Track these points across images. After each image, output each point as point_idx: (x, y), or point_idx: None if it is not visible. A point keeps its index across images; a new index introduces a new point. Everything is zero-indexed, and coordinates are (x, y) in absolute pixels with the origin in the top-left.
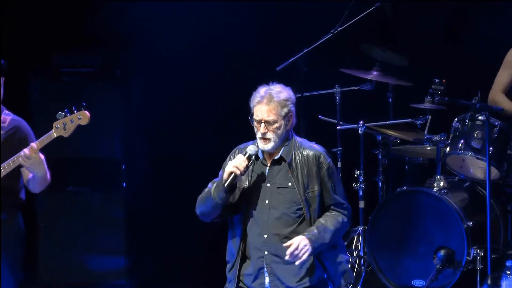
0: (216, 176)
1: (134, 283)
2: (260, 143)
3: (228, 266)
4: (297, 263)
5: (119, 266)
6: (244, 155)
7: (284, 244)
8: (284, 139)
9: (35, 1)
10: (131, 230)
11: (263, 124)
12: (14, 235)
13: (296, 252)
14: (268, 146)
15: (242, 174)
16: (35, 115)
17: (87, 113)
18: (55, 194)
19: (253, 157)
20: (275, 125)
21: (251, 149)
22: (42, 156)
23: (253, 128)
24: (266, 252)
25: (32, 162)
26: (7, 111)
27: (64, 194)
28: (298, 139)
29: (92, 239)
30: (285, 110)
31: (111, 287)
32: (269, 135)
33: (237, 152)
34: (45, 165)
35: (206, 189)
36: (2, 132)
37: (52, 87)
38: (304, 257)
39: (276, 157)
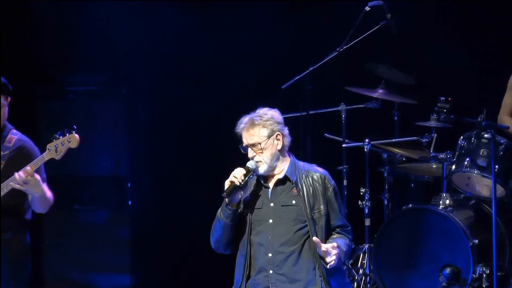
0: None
1: None
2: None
3: (237, 284)
4: (329, 265)
5: (124, 284)
6: (245, 168)
7: (315, 239)
8: (279, 159)
9: (39, 23)
10: (137, 248)
11: (249, 149)
12: (21, 254)
13: (331, 256)
14: (262, 168)
15: (241, 185)
16: (42, 134)
17: (77, 136)
18: (61, 212)
19: (252, 172)
20: (259, 147)
21: (251, 163)
22: (38, 177)
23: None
24: (271, 271)
25: (28, 185)
26: (14, 131)
27: (70, 212)
28: (299, 161)
29: (97, 257)
30: (268, 130)
31: None
32: (258, 157)
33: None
34: (42, 186)
35: (216, 216)
36: (6, 152)
37: (58, 106)
38: (334, 262)
39: (281, 177)
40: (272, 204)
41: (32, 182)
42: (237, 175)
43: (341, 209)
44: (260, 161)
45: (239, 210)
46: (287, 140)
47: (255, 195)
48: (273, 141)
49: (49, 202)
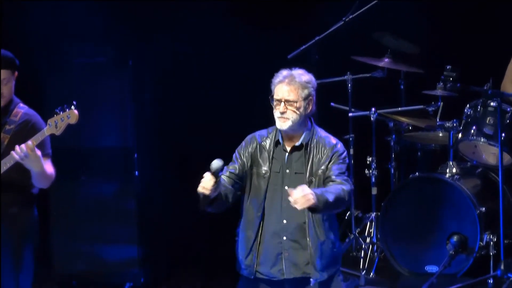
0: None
1: (147, 272)
2: (278, 122)
3: (242, 251)
4: (298, 206)
5: (132, 255)
6: (211, 172)
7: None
8: (303, 124)
9: None
10: (144, 219)
11: (282, 103)
12: (28, 228)
13: (300, 194)
14: (286, 124)
15: (212, 191)
16: (48, 107)
17: (76, 112)
18: (68, 183)
19: (219, 170)
20: (295, 105)
21: (215, 164)
22: (38, 153)
23: (272, 109)
24: (284, 238)
25: (27, 159)
26: (21, 104)
27: (77, 184)
28: (317, 127)
29: (105, 228)
30: (306, 92)
31: (124, 277)
32: (288, 114)
33: (252, 138)
34: (42, 162)
35: None
36: (12, 126)
37: (64, 77)
38: (305, 204)
39: (297, 144)
40: (287, 171)
41: (31, 157)
42: (206, 185)
43: (344, 170)
44: (288, 118)
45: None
46: (314, 108)
47: (276, 157)
48: (307, 104)
49: (49, 178)
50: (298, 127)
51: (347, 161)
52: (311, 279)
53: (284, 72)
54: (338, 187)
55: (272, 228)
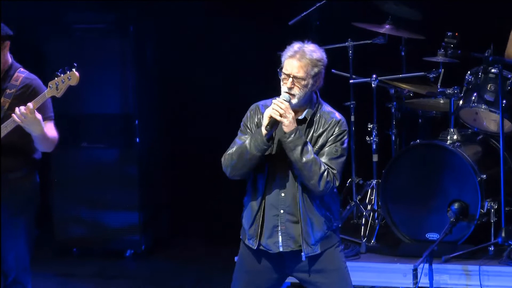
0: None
1: (148, 238)
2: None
3: (247, 221)
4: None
5: (133, 221)
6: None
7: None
8: (308, 100)
9: None
10: (145, 185)
11: (290, 79)
12: (29, 193)
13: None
14: (292, 101)
15: (281, 116)
16: (48, 72)
17: (77, 73)
18: (69, 150)
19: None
20: (302, 82)
21: (286, 96)
22: (39, 116)
23: (279, 81)
24: (281, 211)
25: (27, 122)
26: (22, 69)
27: (78, 150)
28: (322, 102)
29: (106, 195)
30: (315, 70)
31: (125, 243)
32: (295, 90)
33: (256, 108)
34: (42, 125)
35: (236, 146)
36: (13, 90)
37: (64, 44)
38: (277, 110)
39: (300, 117)
40: None
41: (30, 119)
42: (280, 108)
43: (337, 153)
44: (294, 95)
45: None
46: (321, 83)
47: (278, 129)
48: (315, 81)
49: (52, 141)
50: (303, 102)
51: (345, 143)
52: (303, 253)
53: (296, 47)
54: (323, 165)
55: (271, 200)
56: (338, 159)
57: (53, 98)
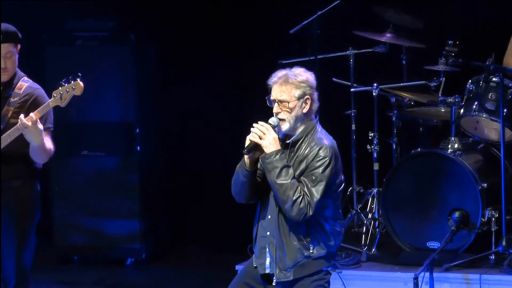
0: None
1: (148, 246)
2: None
3: (253, 240)
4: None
5: (134, 229)
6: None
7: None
8: (302, 123)
9: None
10: (146, 193)
11: (276, 104)
12: (30, 202)
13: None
14: (284, 127)
15: (261, 139)
16: (49, 80)
17: (81, 83)
18: (70, 158)
19: (275, 128)
20: (287, 105)
21: (273, 120)
22: (40, 126)
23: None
24: (267, 233)
25: (28, 131)
26: (26, 78)
27: (79, 158)
28: (318, 128)
29: (106, 203)
30: (299, 91)
31: (125, 251)
32: (283, 115)
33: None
34: (43, 136)
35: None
36: (16, 99)
37: (65, 51)
38: (254, 133)
39: (288, 141)
40: None
41: (32, 129)
42: (259, 131)
43: (315, 180)
44: (284, 119)
45: (258, 172)
46: (315, 105)
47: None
48: (302, 103)
49: (47, 153)
50: (296, 126)
51: (325, 170)
52: (274, 278)
53: (280, 73)
54: (299, 192)
55: (262, 222)
56: (316, 187)
57: (56, 107)
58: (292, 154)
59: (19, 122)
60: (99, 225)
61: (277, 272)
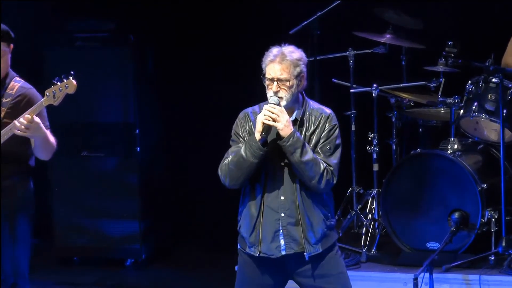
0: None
1: (148, 247)
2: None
3: (247, 229)
4: (264, 116)
5: (134, 230)
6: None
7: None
8: (296, 101)
9: None
10: (146, 194)
11: (275, 83)
12: (24, 200)
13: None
14: (281, 104)
15: (275, 121)
16: (48, 81)
17: (74, 81)
18: (69, 159)
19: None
20: (287, 84)
21: (274, 99)
22: (37, 120)
23: (265, 88)
24: (282, 214)
25: (31, 131)
26: (18, 78)
27: (78, 159)
28: (309, 100)
29: (106, 203)
30: (298, 69)
31: (126, 252)
32: (282, 93)
33: (245, 115)
34: (44, 128)
35: (232, 156)
36: (8, 99)
37: (65, 52)
38: (270, 116)
39: (291, 119)
40: None
41: (33, 127)
42: (272, 113)
43: (331, 149)
44: (282, 97)
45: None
46: (305, 83)
47: (268, 137)
48: (299, 81)
49: (52, 147)
50: (291, 104)
51: (337, 137)
52: (305, 253)
53: (274, 51)
54: (323, 164)
55: (270, 205)
56: (334, 154)
57: (52, 107)
58: (300, 129)
59: (19, 127)
60: (99, 226)
61: (307, 247)
